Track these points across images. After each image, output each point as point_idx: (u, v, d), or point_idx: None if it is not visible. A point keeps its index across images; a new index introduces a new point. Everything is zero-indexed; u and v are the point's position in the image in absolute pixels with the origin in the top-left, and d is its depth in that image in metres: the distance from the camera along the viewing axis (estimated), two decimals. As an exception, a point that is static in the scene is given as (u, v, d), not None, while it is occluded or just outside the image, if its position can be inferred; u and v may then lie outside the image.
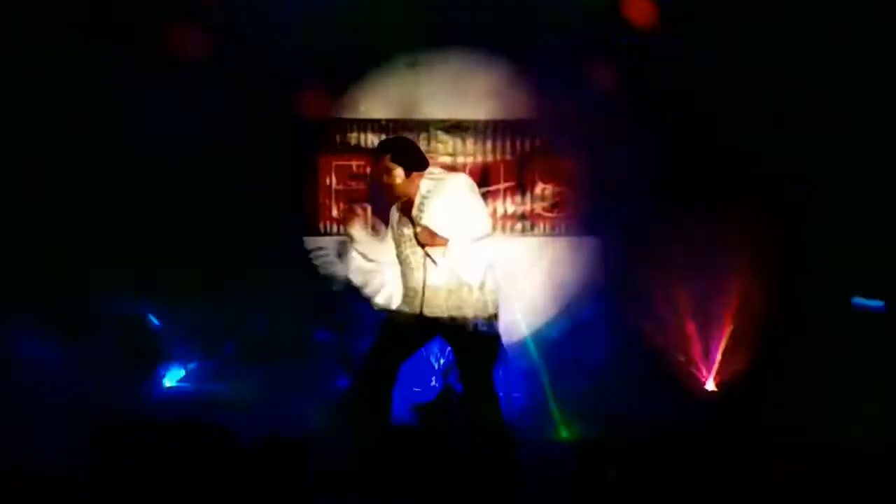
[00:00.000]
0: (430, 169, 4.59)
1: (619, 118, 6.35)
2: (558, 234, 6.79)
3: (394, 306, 4.67)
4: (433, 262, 4.39)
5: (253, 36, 6.29)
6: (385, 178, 4.50)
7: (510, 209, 6.78)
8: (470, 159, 6.76)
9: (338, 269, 4.71)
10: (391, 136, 5.83)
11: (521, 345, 6.32)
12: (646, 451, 4.06)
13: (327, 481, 4.18)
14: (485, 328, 4.50)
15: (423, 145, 5.97)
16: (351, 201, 6.60)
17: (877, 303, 5.45)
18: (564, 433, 5.47)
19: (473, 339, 4.40)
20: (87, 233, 6.30)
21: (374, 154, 4.67)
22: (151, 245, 6.29)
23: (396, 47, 6.50)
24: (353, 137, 6.76)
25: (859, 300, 5.18)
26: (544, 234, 6.80)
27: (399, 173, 4.48)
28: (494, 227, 5.39)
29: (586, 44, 6.27)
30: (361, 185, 6.70)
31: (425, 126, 6.66)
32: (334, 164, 6.76)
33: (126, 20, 6.22)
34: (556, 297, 6.62)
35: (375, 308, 4.65)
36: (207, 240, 6.34)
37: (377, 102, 6.69)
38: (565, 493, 4.33)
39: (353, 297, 4.66)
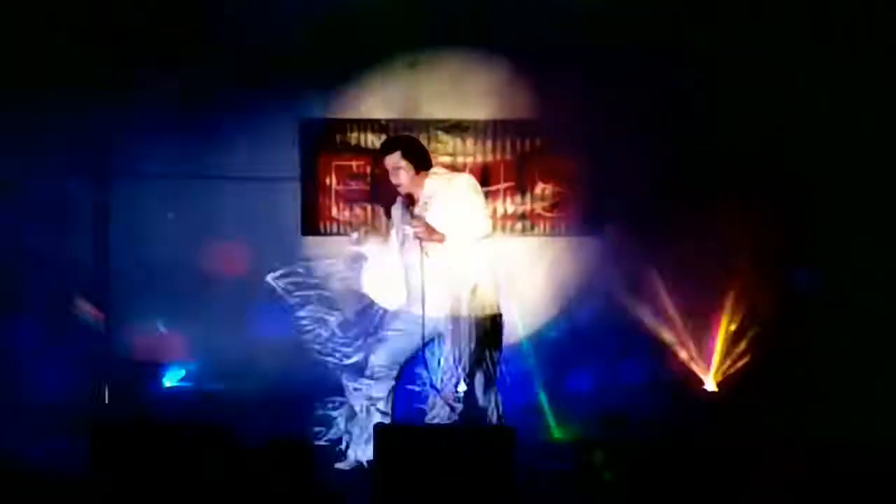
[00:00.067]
0: (433, 168, 4.60)
1: (619, 118, 6.36)
2: (558, 234, 6.78)
3: (395, 307, 4.68)
4: (426, 255, 4.39)
5: (253, 36, 6.30)
6: (393, 176, 4.50)
7: (510, 209, 6.77)
8: (470, 159, 6.75)
9: (350, 284, 4.73)
10: (399, 134, 5.80)
11: (521, 345, 6.32)
12: (645, 451, 4.06)
13: (327, 481, 4.19)
14: (485, 328, 4.51)
15: (423, 145, 5.97)
16: (351, 201, 6.65)
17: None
18: (564, 433, 5.47)
19: (473, 338, 4.40)
20: (87, 232, 6.31)
21: (382, 151, 4.67)
22: (151, 244, 6.30)
23: (396, 47, 6.50)
24: (353, 137, 6.76)
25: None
26: (544, 234, 6.79)
27: (408, 171, 4.48)
28: (494, 227, 5.40)
29: (586, 43, 6.26)
30: (361, 185, 6.70)
31: (425, 126, 6.65)
32: (334, 164, 6.76)
33: (126, 20, 6.23)
34: (556, 297, 6.62)
35: (378, 309, 4.66)
36: (208, 239, 6.35)
37: (377, 102, 6.68)
38: (564, 493, 4.33)
39: (354, 297, 4.67)
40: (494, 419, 4.66)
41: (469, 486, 3.73)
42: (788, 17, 6.24)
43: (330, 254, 6.45)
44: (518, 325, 6.30)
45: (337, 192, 6.75)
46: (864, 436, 4.66)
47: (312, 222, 6.73)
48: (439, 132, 6.71)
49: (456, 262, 4.41)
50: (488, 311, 4.52)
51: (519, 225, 6.80)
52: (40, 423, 5.07)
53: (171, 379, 6.54)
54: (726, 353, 6.40)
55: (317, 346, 6.20)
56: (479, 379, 4.60)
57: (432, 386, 6.14)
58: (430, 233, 4.40)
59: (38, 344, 5.86)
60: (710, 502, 3.90)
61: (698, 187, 6.29)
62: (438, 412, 4.69)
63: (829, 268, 6.23)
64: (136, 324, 6.36)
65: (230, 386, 6.24)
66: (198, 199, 6.49)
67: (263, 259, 6.36)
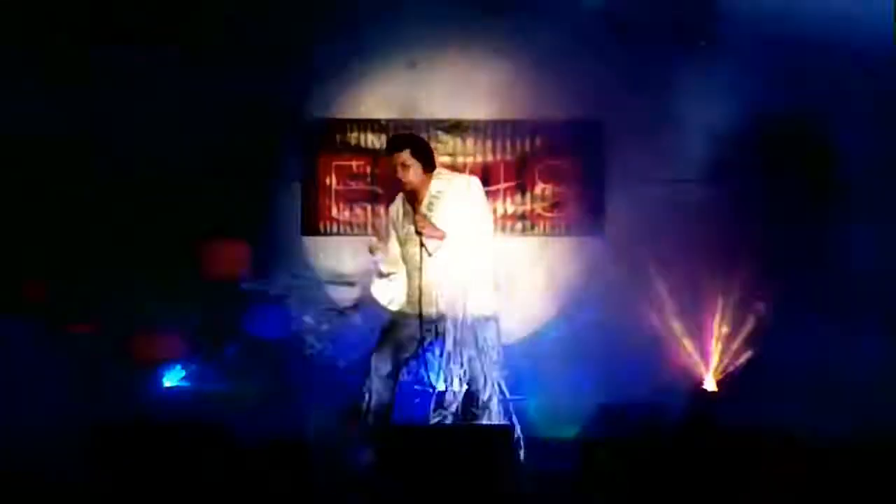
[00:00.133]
0: (438, 169, 4.62)
1: (619, 118, 6.36)
2: (558, 234, 6.78)
3: (396, 307, 4.68)
4: (427, 252, 4.40)
5: (252, 36, 6.30)
6: (400, 174, 4.50)
7: (510, 209, 6.77)
8: (470, 159, 6.75)
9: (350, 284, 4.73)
10: (406, 133, 5.82)
11: (521, 345, 6.32)
12: (645, 451, 4.06)
13: (328, 481, 4.19)
14: (485, 328, 4.51)
15: (423, 145, 5.97)
16: (351, 201, 6.66)
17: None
18: (564, 432, 5.46)
19: (473, 338, 4.40)
20: (86, 232, 6.31)
21: (389, 149, 4.67)
22: (151, 245, 6.29)
23: (396, 47, 6.50)
24: (353, 137, 6.75)
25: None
26: (544, 234, 6.79)
27: (417, 170, 4.49)
28: (494, 227, 5.40)
29: (586, 42, 6.26)
30: (361, 185, 6.70)
31: (425, 126, 6.65)
32: (334, 164, 6.76)
33: (125, 20, 6.23)
34: (556, 297, 6.62)
35: (379, 309, 4.66)
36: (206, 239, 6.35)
37: (377, 102, 6.68)
38: (566, 491, 4.33)
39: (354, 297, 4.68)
40: (494, 419, 4.65)
41: (469, 486, 3.74)
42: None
43: (330, 254, 6.49)
44: (519, 324, 6.30)
45: (337, 192, 6.75)
46: (863, 436, 4.65)
47: (312, 222, 6.73)
48: (439, 132, 6.71)
49: (456, 261, 4.41)
50: (489, 312, 4.51)
51: (519, 225, 6.80)
52: (40, 423, 5.06)
53: (171, 379, 6.54)
54: (726, 353, 6.40)
55: (317, 346, 6.24)
56: (478, 379, 4.60)
57: (432, 386, 6.16)
58: (432, 229, 4.41)
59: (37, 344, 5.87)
60: (710, 502, 3.90)
61: (698, 186, 6.29)
62: (439, 412, 4.70)
63: (829, 267, 6.23)
64: (136, 324, 6.36)
65: (230, 386, 6.24)
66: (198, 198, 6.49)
67: (263, 259, 6.42)
